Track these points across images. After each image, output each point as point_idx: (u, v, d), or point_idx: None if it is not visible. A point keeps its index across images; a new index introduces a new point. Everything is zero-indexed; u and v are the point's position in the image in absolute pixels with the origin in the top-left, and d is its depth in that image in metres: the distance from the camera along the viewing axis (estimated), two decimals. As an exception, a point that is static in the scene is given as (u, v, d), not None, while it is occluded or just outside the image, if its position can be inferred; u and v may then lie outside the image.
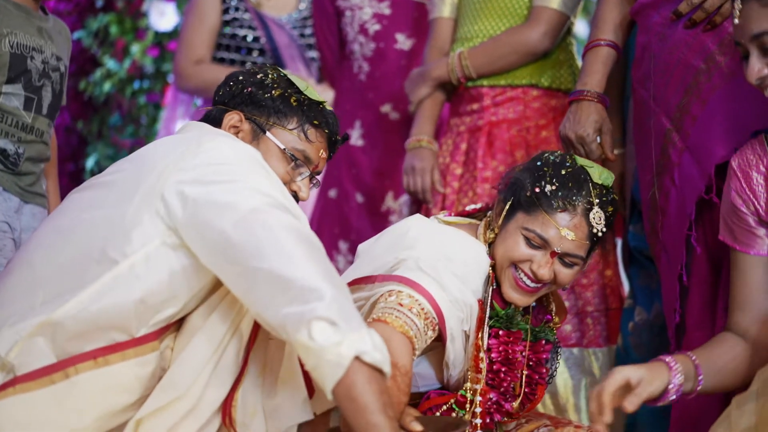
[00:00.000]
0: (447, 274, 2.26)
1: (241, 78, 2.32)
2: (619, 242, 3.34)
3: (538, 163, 2.34)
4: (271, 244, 1.93)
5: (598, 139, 2.71)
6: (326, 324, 1.83)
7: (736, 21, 2.12)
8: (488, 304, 2.30)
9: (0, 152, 2.72)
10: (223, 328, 2.06)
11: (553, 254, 2.27)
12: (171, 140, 2.19)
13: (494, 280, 2.34)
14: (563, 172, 2.29)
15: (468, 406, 2.30)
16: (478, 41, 3.36)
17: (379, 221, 3.86)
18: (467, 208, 2.55)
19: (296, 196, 2.26)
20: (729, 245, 2.27)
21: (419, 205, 3.63)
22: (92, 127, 5.64)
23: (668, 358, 2.12)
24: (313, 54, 4.05)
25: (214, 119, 2.29)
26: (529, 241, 2.28)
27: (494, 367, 2.32)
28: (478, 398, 2.27)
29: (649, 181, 2.71)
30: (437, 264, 2.26)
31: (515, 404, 2.38)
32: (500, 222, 2.33)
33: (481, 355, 2.28)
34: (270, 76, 2.30)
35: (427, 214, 3.39)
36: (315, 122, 2.28)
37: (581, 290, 3.25)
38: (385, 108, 3.94)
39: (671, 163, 2.60)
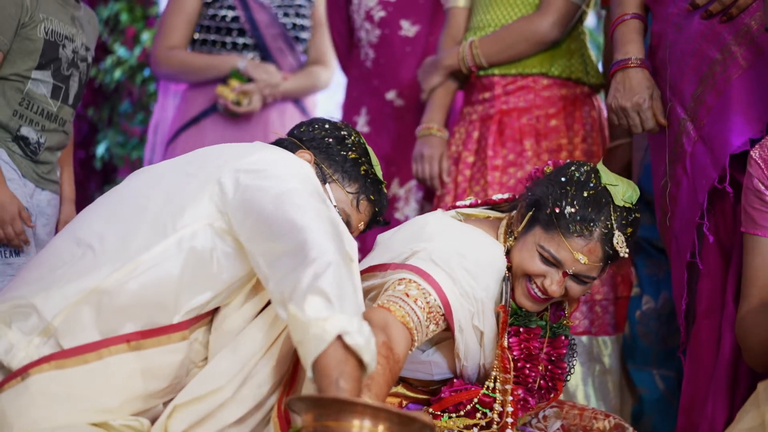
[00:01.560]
0: (458, 269, 2.28)
1: (327, 126, 2.41)
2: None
3: (563, 179, 2.33)
4: (294, 219, 1.99)
5: None
6: (320, 299, 1.84)
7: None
8: (508, 306, 2.33)
9: (22, 139, 2.74)
10: (274, 330, 2.10)
11: (565, 274, 2.30)
12: (238, 144, 2.30)
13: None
14: (585, 194, 2.29)
15: (497, 406, 2.32)
16: (490, 30, 3.37)
17: (385, 207, 3.88)
18: (494, 197, 2.56)
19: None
20: (751, 233, 2.28)
21: (428, 191, 3.65)
22: (102, 114, 5.66)
23: None
24: (303, 35, 4.07)
25: (284, 148, 2.33)
26: (543, 259, 2.30)
27: (518, 365, 2.35)
28: (509, 398, 2.29)
29: (662, 171, 2.71)
30: (450, 258, 2.28)
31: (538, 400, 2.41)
32: (521, 227, 2.35)
33: (507, 355, 2.31)
34: (352, 137, 2.40)
35: (438, 201, 3.43)
36: (372, 197, 2.36)
37: (589, 280, 3.26)
38: (390, 95, 3.94)
39: (684, 152, 2.61)
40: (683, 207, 2.60)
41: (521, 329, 2.36)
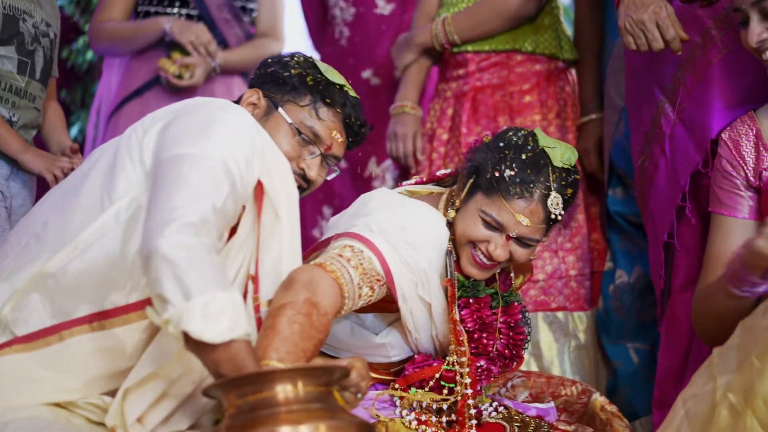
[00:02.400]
0: (399, 240, 2.27)
1: (269, 60, 2.38)
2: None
3: (501, 144, 2.33)
4: (161, 194, 1.95)
5: None
6: (158, 300, 1.84)
7: None
8: (454, 279, 2.32)
9: None
10: None
11: (509, 238, 2.29)
12: (170, 106, 2.24)
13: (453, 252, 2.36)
14: (524, 156, 2.29)
15: (458, 378, 2.30)
16: (463, 6, 3.36)
17: (362, 186, 3.87)
18: (437, 173, 2.56)
19: (305, 176, 2.28)
20: (716, 213, 2.29)
21: (403, 170, 3.65)
22: (75, 95, 5.61)
23: None
24: (250, 5, 3.93)
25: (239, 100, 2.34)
26: (486, 223, 2.30)
27: (474, 335, 2.35)
28: (466, 369, 2.29)
29: (639, 150, 2.72)
30: (390, 230, 2.28)
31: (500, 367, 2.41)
32: (462, 196, 2.35)
33: (459, 328, 2.30)
34: (295, 58, 2.35)
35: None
36: (327, 100, 2.29)
37: (565, 254, 3.27)
38: (366, 74, 3.94)
39: (662, 133, 2.62)
40: (660, 187, 2.61)
41: (471, 300, 2.36)
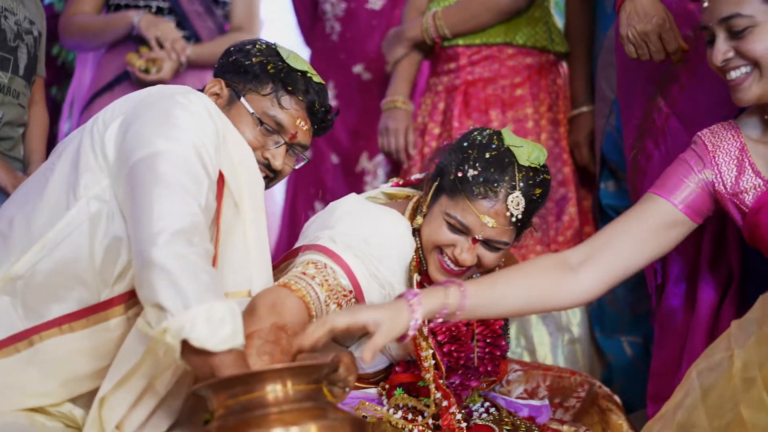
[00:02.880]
0: (364, 253, 2.23)
1: (231, 49, 2.32)
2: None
3: (465, 144, 2.26)
4: (141, 197, 1.92)
5: None
6: (154, 310, 1.82)
7: (705, 4, 2.14)
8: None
9: None
10: None
11: (475, 241, 2.22)
12: (131, 95, 2.18)
13: (419, 263, 2.30)
14: (487, 155, 2.21)
15: (432, 394, 2.25)
16: (453, 0, 3.35)
17: (353, 182, 3.87)
18: (412, 177, 2.50)
19: (270, 166, 2.24)
20: (656, 194, 2.24)
21: (394, 165, 3.64)
22: (65, 92, 5.59)
23: (410, 295, 2.03)
24: None
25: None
26: (451, 226, 2.22)
27: (444, 349, 2.30)
28: (433, 385, 2.23)
29: (631, 143, 2.72)
30: (354, 243, 2.22)
31: (480, 379, 2.37)
32: (428, 202, 2.28)
33: (422, 344, 2.25)
34: (257, 45, 2.30)
35: (404, 175, 3.42)
36: (289, 88, 2.24)
37: (557, 247, 3.27)
38: (357, 68, 3.93)
39: (655, 127, 2.62)
40: (654, 180, 2.60)
41: None
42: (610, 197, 3.19)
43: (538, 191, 2.23)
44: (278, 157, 2.24)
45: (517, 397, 2.46)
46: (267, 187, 2.25)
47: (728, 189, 2.20)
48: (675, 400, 1.96)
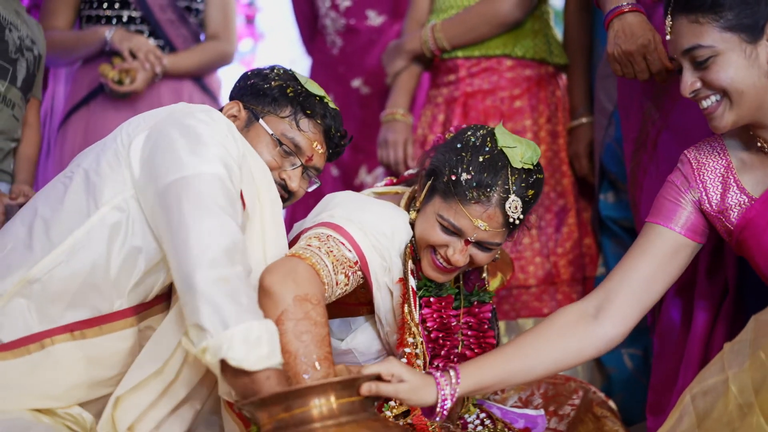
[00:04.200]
0: (366, 226, 2.25)
1: (248, 73, 2.39)
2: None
3: (459, 145, 2.26)
4: (174, 222, 1.97)
5: None
6: (195, 330, 1.88)
7: (668, 37, 2.15)
8: (407, 279, 2.28)
9: None
10: None
11: (467, 242, 2.25)
12: (154, 110, 2.23)
13: (413, 252, 2.32)
14: (481, 159, 2.22)
15: None
16: (453, 12, 3.36)
17: (353, 195, 3.87)
18: (405, 173, 2.53)
19: (286, 187, 2.29)
20: (650, 222, 2.26)
21: (394, 177, 3.64)
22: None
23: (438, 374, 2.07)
24: (195, 5, 3.76)
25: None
26: (444, 228, 2.25)
27: (432, 335, 2.31)
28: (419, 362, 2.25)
29: (630, 156, 2.72)
30: (353, 217, 2.26)
31: None
32: (422, 197, 2.31)
33: (413, 329, 2.26)
34: (275, 70, 2.37)
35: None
36: (308, 112, 2.30)
37: (557, 259, 3.26)
38: (356, 83, 3.94)
39: (650, 140, 2.63)
40: (650, 193, 2.60)
41: (432, 299, 2.31)
42: (609, 209, 3.19)
43: (531, 192, 2.25)
44: (294, 179, 2.30)
45: (513, 406, 2.45)
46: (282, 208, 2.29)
47: (714, 207, 2.21)
48: (669, 424, 1.96)
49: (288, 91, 2.32)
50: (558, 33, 3.48)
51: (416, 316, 2.27)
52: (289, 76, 2.36)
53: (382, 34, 3.93)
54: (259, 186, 2.15)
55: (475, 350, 2.34)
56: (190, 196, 1.96)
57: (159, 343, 2.06)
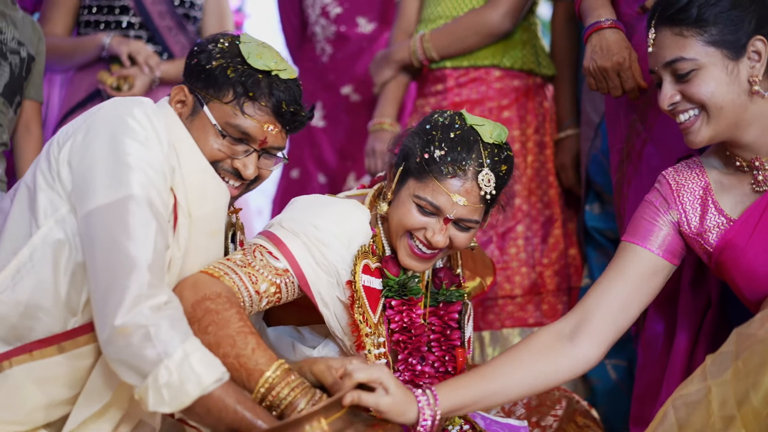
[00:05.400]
0: (311, 239, 2.21)
1: (195, 49, 2.20)
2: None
3: (427, 126, 2.25)
4: (107, 250, 1.92)
5: None
6: (130, 372, 1.86)
7: (651, 49, 2.16)
8: (356, 280, 2.23)
9: None
10: None
11: (447, 221, 2.22)
12: (86, 112, 2.14)
13: (374, 251, 2.30)
14: (452, 135, 2.21)
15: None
16: (441, 22, 3.37)
17: (341, 203, 3.87)
18: (377, 176, 2.51)
19: (240, 174, 2.16)
20: (630, 242, 2.25)
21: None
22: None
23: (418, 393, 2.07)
24: (194, 12, 3.74)
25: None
26: (421, 209, 2.22)
27: (394, 337, 2.28)
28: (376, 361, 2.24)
29: (616, 167, 2.73)
30: (302, 229, 2.21)
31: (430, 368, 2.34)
32: (393, 188, 2.27)
33: (369, 330, 2.24)
34: (220, 45, 2.16)
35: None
36: (250, 94, 2.11)
37: (542, 269, 3.27)
38: (346, 90, 3.94)
39: (634, 151, 2.64)
40: (634, 205, 2.61)
41: (394, 301, 2.28)
42: (595, 220, 3.20)
43: (504, 167, 2.24)
44: (249, 166, 2.15)
45: (496, 415, 2.45)
46: (248, 190, 2.22)
47: (692, 229, 2.22)
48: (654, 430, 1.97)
49: (229, 71, 2.11)
50: (545, 44, 3.50)
51: (374, 318, 2.25)
52: (233, 51, 2.14)
53: (373, 41, 3.93)
54: (192, 199, 2.05)
55: (436, 353, 2.33)
56: (104, 233, 1.91)
57: (102, 374, 1.99)
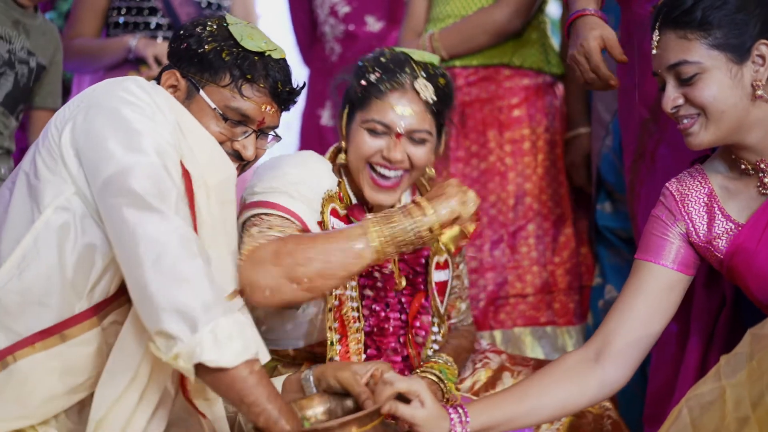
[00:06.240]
0: (289, 187, 2.27)
1: (182, 32, 2.19)
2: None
3: (359, 64, 2.38)
4: (120, 223, 1.88)
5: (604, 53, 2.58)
6: (162, 338, 1.83)
7: (654, 51, 2.15)
8: (325, 220, 2.30)
9: None
10: None
11: (399, 135, 2.30)
12: (80, 93, 2.10)
13: (341, 198, 2.36)
14: (383, 59, 2.34)
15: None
16: (450, 22, 3.37)
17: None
18: None
19: (241, 156, 2.17)
20: (640, 259, 2.25)
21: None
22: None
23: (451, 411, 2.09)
24: (221, 14, 3.74)
25: (157, 80, 2.19)
26: (372, 132, 2.31)
27: (360, 281, 2.36)
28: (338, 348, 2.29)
29: (629, 167, 2.73)
30: (277, 184, 2.27)
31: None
32: (344, 130, 2.37)
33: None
34: (209, 28, 2.17)
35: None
36: (248, 76, 2.13)
37: (554, 268, 3.27)
38: (354, 89, 3.94)
39: (648, 152, 2.63)
40: (648, 205, 2.61)
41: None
42: (606, 218, 3.19)
43: (441, 80, 2.35)
44: (249, 147, 2.17)
45: None
46: (241, 172, 2.21)
47: (702, 237, 2.21)
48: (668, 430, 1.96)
49: (224, 54, 2.12)
50: (555, 43, 3.49)
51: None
52: (224, 34, 2.15)
53: (381, 39, 3.94)
54: (203, 168, 2.04)
55: (403, 300, 2.39)
56: (128, 195, 1.87)
57: (124, 350, 1.97)
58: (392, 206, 2.31)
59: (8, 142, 2.89)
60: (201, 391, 2.10)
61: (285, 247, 2.07)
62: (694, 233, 2.21)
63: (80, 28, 3.65)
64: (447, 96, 2.36)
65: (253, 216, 2.24)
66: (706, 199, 2.22)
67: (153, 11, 3.66)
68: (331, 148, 2.45)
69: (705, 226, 2.21)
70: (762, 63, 2.07)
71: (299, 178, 2.29)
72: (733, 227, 2.18)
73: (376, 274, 2.37)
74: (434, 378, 2.34)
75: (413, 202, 2.14)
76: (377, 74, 2.30)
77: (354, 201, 2.38)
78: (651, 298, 2.20)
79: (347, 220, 2.34)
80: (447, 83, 2.35)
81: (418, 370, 2.37)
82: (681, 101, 2.12)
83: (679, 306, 2.52)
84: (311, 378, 2.16)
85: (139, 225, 1.85)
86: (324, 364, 2.21)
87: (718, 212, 2.20)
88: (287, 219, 2.22)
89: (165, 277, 1.82)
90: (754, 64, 2.07)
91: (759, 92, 2.07)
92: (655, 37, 2.15)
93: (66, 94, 4.90)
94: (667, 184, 2.27)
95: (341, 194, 2.37)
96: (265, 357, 1.99)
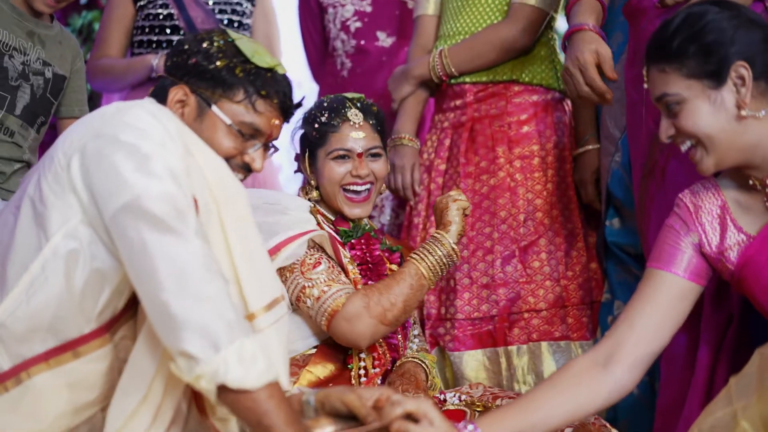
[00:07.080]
0: (292, 219, 2.63)
1: (186, 47, 2.19)
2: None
3: (305, 115, 2.78)
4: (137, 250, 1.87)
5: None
6: (183, 358, 1.82)
7: (645, 86, 2.19)
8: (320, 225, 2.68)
9: None
10: None
11: (360, 155, 2.70)
12: (86, 117, 2.10)
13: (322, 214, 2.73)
14: (325, 104, 2.76)
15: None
16: (460, 38, 3.38)
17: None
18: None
19: (249, 168, 2.20)
20: (656, 269, 2.26)
21: (401, 201, 3.65)
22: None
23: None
24: (243, 32, 3.78)
25: (159, 93, 2.19)
26: (338, 159, 2.70)
27: (358, 269, 2.70)
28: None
29: (638, 183, 2.73)
30: (277, 219, 2.59)
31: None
32: (309, 171, 2.75)
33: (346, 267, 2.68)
34: (216, 43, 2.18)
35: (410, 211, 3.43)
36: (263, 92, 2.17)
37: (567, 282, 3.26)
38: (366, 104, 3.95)
39: (658, 168, 2.63)
40: (658, 222, 2.61)
41: (353, 241, 2.72)
42: (615, 235, 3.18)
43: (374, 108, 2.78)
44: (258, 160, 2.20)
45: None
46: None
47: (714, 249, 2.22)
48: None
49: (237, 71, 2.15)
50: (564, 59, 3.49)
51: (346, 253, 2.67)
52: (234, 51, 2.17)
53: (392, 55, 3.94)
54: (212, 186, 2.02)
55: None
56: (147, 219, 1.85)
57: (136, 368, 1.96)
58: (367, 217, 2.78)
59: (29, 155, 2.91)
60: (213, 409, 2.09)
61: (371, 300, 2.53)
62: (707, 244, 2.22)
63: (107, 48, 3.76)
64: (381, 117, 2.79)
65: (290, 268, 2.59)
66: (719, 211, 2.23)
67: (175, 29, 3.73)
68: (299, 192, 2.80)
69: (717, 237, 2.22)
70: (742, 83, 2.08)
71: (275, 200, 2.67)
72: (744, 239, 2.19)
73: (367, 259, 2.72)
74: (423, 366, 2.71)
75: (432, 236, 2.64)
76: (326, 115, 2.72)
77: (333, 218, 2.74)
78: (662, 306, 2.21)
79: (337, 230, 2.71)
80: (377, 108, 2.80)
81: (403, 358, 2.73)
82: (672, 131, 2.16)
83: (689, 320, 2.53)
84: (312, 401, 2.13)
85: (160, 247, 1.84)
86: (326, 388, 2.23)
87: (730, 223, 2.21)
88: (314, 253, 2.61)
89: (187, 297, 1.82)
90: (735, 86, 2.09)
91: (743, 113, 2.09)
92: (644, 71, 2.19)
93: (94, 107, 4.94)
94: (680, 195, 2.29)
95: (321, 212, 2.73)
96: (286, 382, 1.99)
